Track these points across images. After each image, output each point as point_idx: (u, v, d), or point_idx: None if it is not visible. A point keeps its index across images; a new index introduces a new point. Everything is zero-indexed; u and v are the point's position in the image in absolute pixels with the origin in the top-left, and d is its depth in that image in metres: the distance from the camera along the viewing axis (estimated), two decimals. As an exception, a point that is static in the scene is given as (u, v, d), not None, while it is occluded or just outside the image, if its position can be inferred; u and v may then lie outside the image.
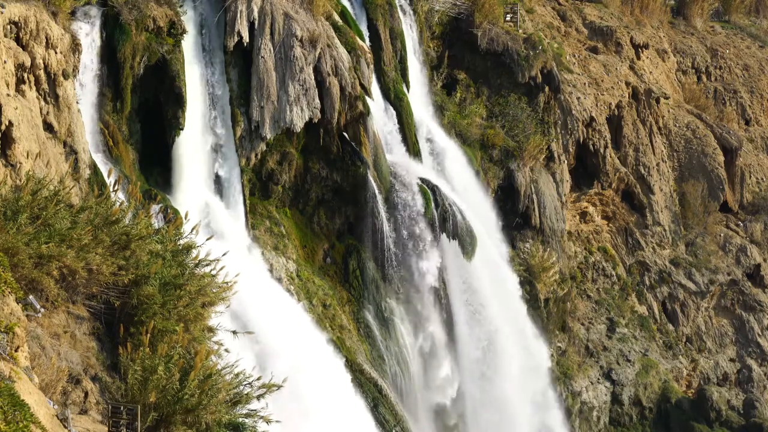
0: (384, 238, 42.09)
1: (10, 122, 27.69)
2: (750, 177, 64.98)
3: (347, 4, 45.06)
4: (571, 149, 54.94)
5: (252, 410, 21.04)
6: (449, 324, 44.68)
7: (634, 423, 54.05)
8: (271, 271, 39.25)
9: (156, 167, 37.23)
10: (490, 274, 46.17)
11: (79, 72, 33.85)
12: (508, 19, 54.10)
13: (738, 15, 75.69)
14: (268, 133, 39.30)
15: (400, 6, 48.47)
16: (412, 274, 43.22)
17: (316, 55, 40.08)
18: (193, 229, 24.39)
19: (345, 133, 41.62)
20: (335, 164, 41.72)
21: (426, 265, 43.29)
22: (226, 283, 23.57)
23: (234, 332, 24.34)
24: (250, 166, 39.55)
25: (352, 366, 39.11)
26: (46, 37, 30.70)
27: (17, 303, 18.20)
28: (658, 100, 61.13)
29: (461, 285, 44.93)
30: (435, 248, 43.41)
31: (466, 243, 44.35)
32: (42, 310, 19.84)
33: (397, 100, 45.74)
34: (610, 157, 56.81)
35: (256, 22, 39.20)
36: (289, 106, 39.30)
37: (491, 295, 45.91)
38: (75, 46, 33.13)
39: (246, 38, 38.84)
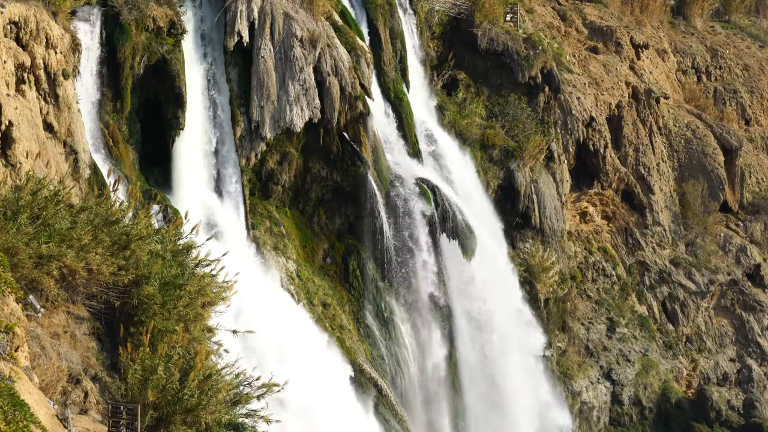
0: (384, 238, 42.10)
1: (10, 122, 27.70)
2: (750, 177, 64.98)
3: (347, 4, 45.06)
4: (571, 149, 54.93)
5: (252, 410, 21.03)
6: (449, 323, 44.68)
7: (634, 423, 54.05)
8: (271, 271, 39.24)
9: (156, 167, 37.23)
10: (489, 273, 46.16)
11: (79, 72, 33.85)
12: (508, 19, 54.09)
13: (738, 15, 75.67)
14: (268, 133, 39.30)
15: (400, 6, 48.47)
16: (411, 274, 43.22)
17: (316, 55, 40.07)
18: (193, 229, 24.38)
19: (345, 133, 41.62)
20: (335, 164, 41.72)
21: (426, 264, 43.31)
22: (226, 283, 23.56)
23: (234, 332, 24.34)
24: (250, 166, 39.54)
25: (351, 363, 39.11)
26: (46, 37, 30.70)
27: (17, 303, 18.20)
28: (658, 100, 61.12)
29: (461, 285, 44.93)
30: (434, 248, 43.43)
31: (466, 243, 44.35)
32: (42, 310, 19.84)
33: (397, 100, 45.75)
34: (610, 157, 56.81)
35: (256, 22, 39.20)
36: (289, 106, 39.30)
37: (491, 295, 45.91)
38: (75, 46, 33.13)
39: (246, 38, 38.84)
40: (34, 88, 30.38)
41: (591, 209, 57.30)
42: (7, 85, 28.49)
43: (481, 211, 47.54)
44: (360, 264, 42.14)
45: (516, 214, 50.36)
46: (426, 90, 50.02)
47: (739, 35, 73.55)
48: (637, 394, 54.19)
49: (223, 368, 20.98)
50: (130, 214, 23.22)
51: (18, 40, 29.94)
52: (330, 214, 42.35)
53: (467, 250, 44.42)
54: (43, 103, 30.81)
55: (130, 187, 26.69)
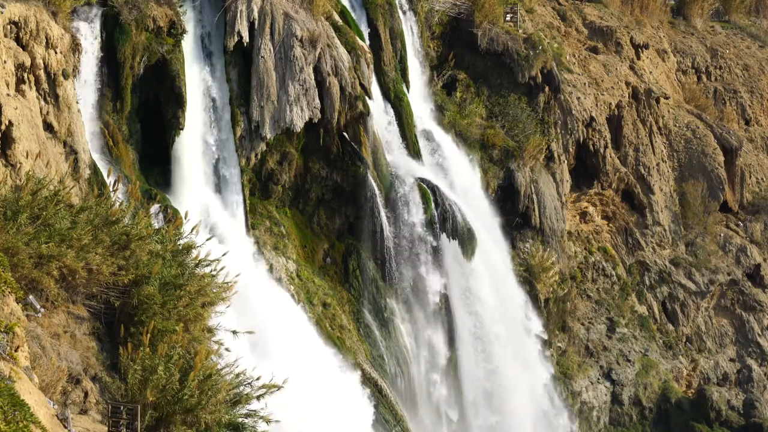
0: (384, 238, 42.11)
1: (10, 122, 27.71)
2: (750, 177, 64.98)
3: (347, 4, 45.07)
4: (571, 149, 54.94)
5: (252, 410, 21.04)
6: (449, 323, 44.69)
7: (634, 423, 54.05)
8: (271, 271, 39.25)
9: (156, 167, 37.24)
10: (489, 274, 46.17)
11: (79, 72, 33.85)
12: (508, 19, 54.10)
13: (738, 15, 75.68)
14: (268, 133, 39.31)
15: (400, 6, 48.47)
16: (411, 274, 43.23)
17: (316, 55, 40.08)
18: (193, 229, 24.39)
19: (345, 133, 41.63)
20: (335, 164, 41.73)
21: (425, 264, 43.32)
22: (226, 283, 23.56)
23: (234, 332, 24.33)
24: (250, 166, 39.55)
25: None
26: (46, 37, 30.71)
27: (17, 303, 18.21)
28: (658, 100, 61.13)
29: (461, 285, 44.93)
30: (435, 248, 43.43)
31: (466, 243, 44.35)
32: (42, 310, 19.84)
33: (397, 100, 45.75)
34: (610, 157, 56.81)
35: (256, 22, 39.21)
36: (289, 106, 39.31)
37: (491, 295, 45.91)
38: (75, 46, 33.14)
39: (246, 38, 38.84)
40: (34, 88, 30.40)
41: (591, 209, 57.31)
42: (7, 85, 28.50)
43: (481, 211, 47.54)
44: (360, 264, 42.16)
45: (516, 214, 50.36)
46: (426, 90, 50.03)
47: (739, 35, 73.56)
48: (637, 394, 54.19)
49: (223, 368, 20.98)
50: (130, 214, 23.22)
51: (18, 40, 29.95)
52: (330, 214, 42.37)
53: (467, 250, 44.42)
54: (43, 103, 30.82)
55: (130, 187, 26.68)
